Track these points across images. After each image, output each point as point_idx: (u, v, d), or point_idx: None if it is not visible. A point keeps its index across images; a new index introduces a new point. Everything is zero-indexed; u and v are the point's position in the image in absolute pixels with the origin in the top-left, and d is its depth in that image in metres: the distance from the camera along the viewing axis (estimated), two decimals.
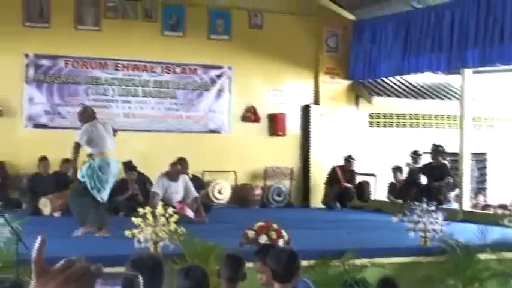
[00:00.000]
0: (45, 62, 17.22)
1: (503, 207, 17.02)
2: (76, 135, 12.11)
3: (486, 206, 18.34)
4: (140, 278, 1.62)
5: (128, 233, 9.64)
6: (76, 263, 1.54)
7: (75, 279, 1.51)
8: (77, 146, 12.10)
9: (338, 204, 18.31)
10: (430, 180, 16.96)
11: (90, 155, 12.09)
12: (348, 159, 18.49)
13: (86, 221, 11.94)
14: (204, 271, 5.90)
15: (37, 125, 17.14)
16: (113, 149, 12.32)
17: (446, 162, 17.10)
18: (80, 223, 11.94)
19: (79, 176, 12.04)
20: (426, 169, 17.18)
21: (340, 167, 18.52)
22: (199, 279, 5.70)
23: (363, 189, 18.77)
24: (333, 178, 18.52)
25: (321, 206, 18.61)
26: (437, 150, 16.82)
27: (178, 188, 14.81)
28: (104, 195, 12.03)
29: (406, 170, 17.78)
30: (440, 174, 16.82)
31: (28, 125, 17.09)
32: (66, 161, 16.33)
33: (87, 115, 12.36)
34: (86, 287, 1.52)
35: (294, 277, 6.08)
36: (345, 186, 18.41)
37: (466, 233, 11.83)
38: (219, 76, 18.71)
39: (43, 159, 16.21)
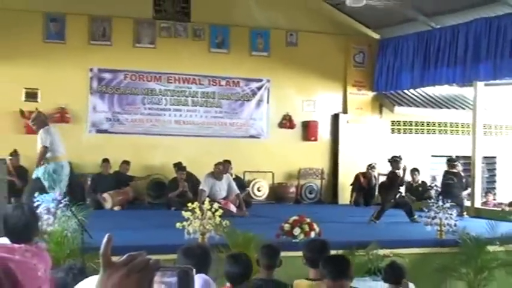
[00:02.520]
0: (107, 75, 17.35)
1: None
2: (39, 141, 11.82)
3: (498, 204, 18.18)
4: (194, 271, 1.60)
5: (178, 225, 9.70)
6: (138, 257, 1.55)
7: (137, 271, 1.52)
8: (45, 150, 11.80)
9: (363, 202, 18.30)
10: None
11: (45, 159, 11.73)
12: (369, 167, 18.50)
13: None
14: (249, 258, 5.94)
15: (99, 131, 17.26)
16: (64, 152, 12.08)
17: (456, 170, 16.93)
18: None
19: (35, 175, 11.74)
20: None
21: (362, 173, 18.54)
22: (246, 265, 5.74)
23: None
24: (357, 183, 18.57)
25: (348, 203, 18.64)
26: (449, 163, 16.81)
27: (222, 186, 14.87)
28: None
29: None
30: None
31: (92, 131, 17.23)
32: (125, 162, 16.53)
33: (40, 120, 12.02)
34: (146, 278, 1.53)
35: None
36: (369, 187, 18.44)
37: (477, 227, 11.76)
38: (259, 88, 18.72)
39: (105, 161, 16.32)
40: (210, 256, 4.88)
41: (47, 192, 10.93)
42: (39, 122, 12.04)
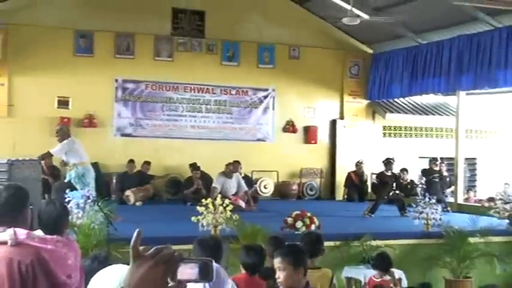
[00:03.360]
0: (130, 85, 17.35)
1: (491, 199, 16.84)
2: (55, 147, 12.11)
3: (478, 200, 18.10)
4: (214, 262, 1.63)
5: (193, 218, 9.70)
6: (164, 249, 1.56)
7: (163, 262, 1.53)
8: (49, 154, 12.34)
9: (357, 198, 18.26)
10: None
11: (74, 165, 11.95)
12: (357, 164, 18.45)
13: None
14: (263, 249, 5.93)
15: (123, 134, 17.28)
16: (87, 158, 12.37)
17: (437, 168, 16.87)
18: None
19: (67, 177, 12.01)
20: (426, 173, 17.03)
21: (353, 172, 18.51)
22: (260, 255, 5.74)
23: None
24: (349, 181, 18.54)
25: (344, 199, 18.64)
26: (434, 162, 16.82)
27: (233, 184, 14.88)
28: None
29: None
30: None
31: (117, 134, 17.24)
32: (146, 162, 16.51)
33: (63, 133, 12.32)
34: (171, 268, 1.54)
35: (320, 254, 6.13)
36: (361, 183, 18.41)
37: (460, 221, 11.73)
38: (265, 96, 18.70)
39: (130, 161, 16.30)
40: (222, 247, 4.85)
41: (76, 189, 11.06)
42: (61, 134, 12.29)
